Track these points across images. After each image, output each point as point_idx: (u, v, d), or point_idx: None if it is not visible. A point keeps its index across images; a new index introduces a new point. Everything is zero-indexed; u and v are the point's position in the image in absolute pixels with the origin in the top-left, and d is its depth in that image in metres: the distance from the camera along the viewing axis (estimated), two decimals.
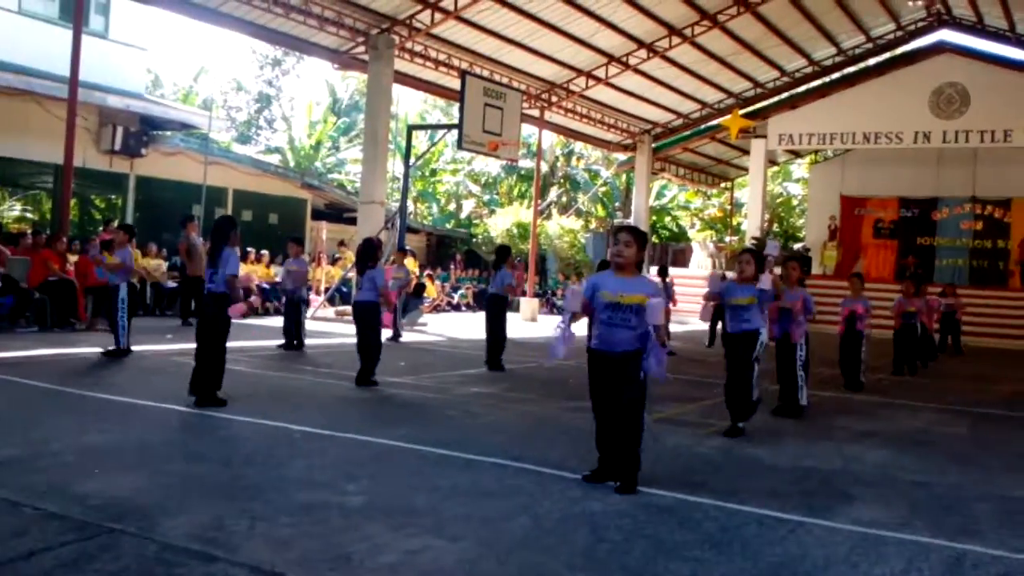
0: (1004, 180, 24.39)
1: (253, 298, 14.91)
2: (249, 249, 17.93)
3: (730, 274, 10.19)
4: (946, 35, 24.27)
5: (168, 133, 19.48)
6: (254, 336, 12.06)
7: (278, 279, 14.83)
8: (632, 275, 4.93)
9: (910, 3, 21.77)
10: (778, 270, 8.98)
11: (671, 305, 14.43)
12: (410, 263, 17.91)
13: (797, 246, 27.63)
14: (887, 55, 25.09)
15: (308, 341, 11.45)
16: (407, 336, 14.11)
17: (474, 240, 30.73)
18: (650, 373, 4.86)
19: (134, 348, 9.48)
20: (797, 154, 30.67)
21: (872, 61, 25.21)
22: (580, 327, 5.22)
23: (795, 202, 36.05)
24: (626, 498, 4.74)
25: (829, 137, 24.90)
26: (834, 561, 3.94)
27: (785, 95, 25.75)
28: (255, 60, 38.78)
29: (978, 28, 23.57)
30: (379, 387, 8.35)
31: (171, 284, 15.56)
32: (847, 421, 8.05)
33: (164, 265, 16.20)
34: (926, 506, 5.08)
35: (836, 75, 25.35)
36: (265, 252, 18.48)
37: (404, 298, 15.50)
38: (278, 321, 12.37)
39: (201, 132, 20.26)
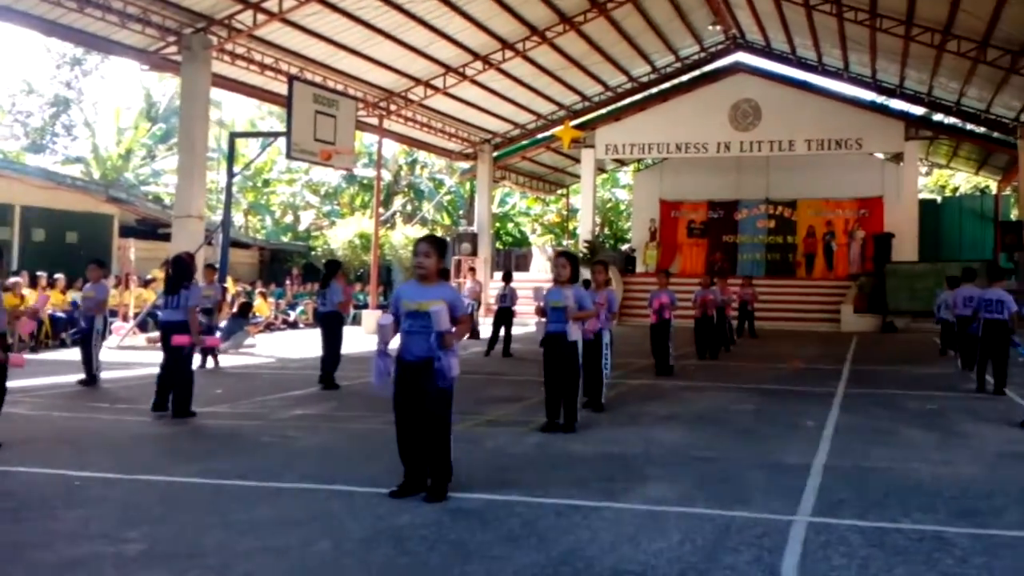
0: (791, 184, 26.33)
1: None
2: (40, 273, 15.57)
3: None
4: (742, 57, 25.87)
5: None
6: (43, 372, 10.22)
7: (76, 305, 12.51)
8: (434, 284, 4.87)
9: (710, 27, 23.01)
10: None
11: (513, 307, 14.56)
12: (228, 282, 16.83)
13: (624, 247, 28.64)
14: (694, 73, 26.35)
15: (109, 374, 10.03)
16: (229, 360, 12.56)
17: (313, 253, 28.81)
18: (442, 376, 4.69)
19: None
20: (622, 162, 31.75)
21: (684, 78, 26.41)
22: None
23: (622, 207, 37.33)
24: (435, 506, 4.58)
25: (648, 147, 26.00)
26: (620, 541, 4.06)
27: (610, 108, 26.58)
28: (50, 59, 33.34)
29: (767, 51, 25.23)
30: (195, 419, 7.43)
31: None
32: (654, 406, 8.38)
33: None
34: (709, 479, 5.36)
35: (653, 90, 26.37)
36: (60, 276, 15.79)
37: (228, 319, 14.35)
38: (74, 354, 10.68)
39: None
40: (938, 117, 25.45)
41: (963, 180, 34.08)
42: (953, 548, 3.99)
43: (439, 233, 33.22)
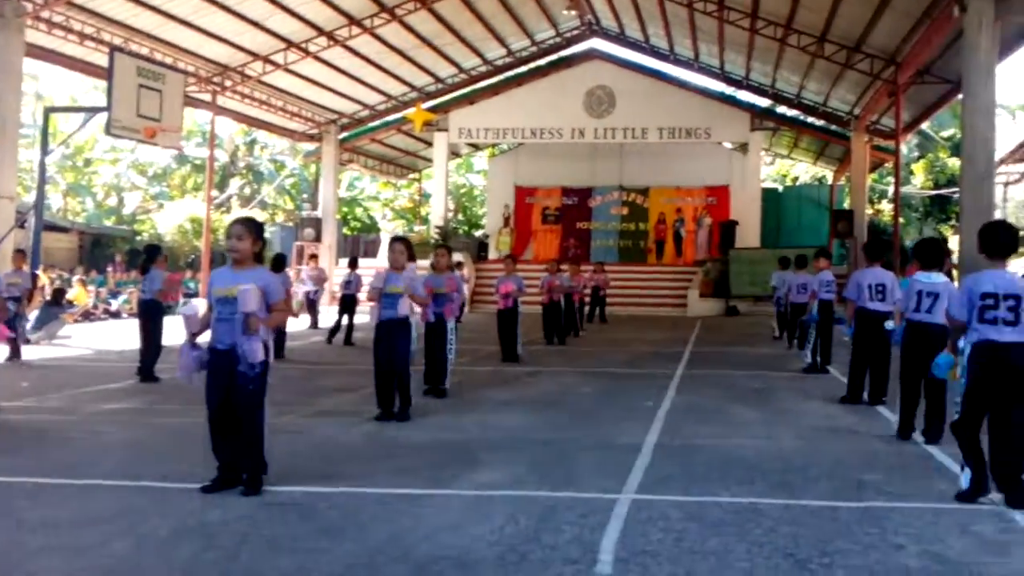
0: (644, 171, 27.36)
1: None
2: None
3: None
4: (596, 43, 26.57)
5: None
6: None
7: None
8: (249, 268, 4.72)
9: (564, 11, 23.44)
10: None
11: (358, 294, 14.18)
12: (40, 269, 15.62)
13: (478, 233, 28.83)
14: (550, 58, 26.78)
15: None
16: (40, 352, 11.83)
17: (139, 238, 27.54)
18: (245, 363, 4.55)
19: None
20: (477, 147, 31.89)
21: (540, 63, 26.75)
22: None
23: (476, 192, 37.56)
24: (250, 501, 4.46)
25: (502, 132, 26.29)
26: (441, 528, 4.07)
27: (464, 91, 26.61)
28: None
29: (621, 38, 26.04)
30: None
31: None
32: (496, 392, 8.48)
33: None
34: (541, 462, 5.45)
35: (508, 74, 26.62)
36: None
37: (40, 308, 13.50)
38: None
39: None
40: (781, 109, 27.12)
41: (803, 170, 36.59)
42: (765, 519, 4.24)
43: (280, 218, 32.27)
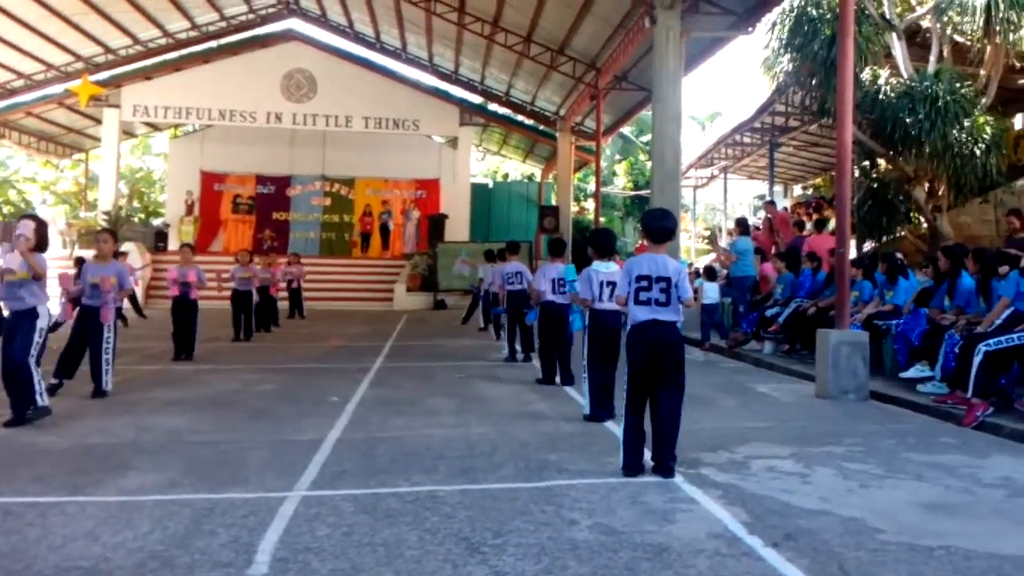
0: (349, 161, 27.23)
1: None
2: None
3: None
4: (295, 24, 25.89)
5: None
6: None
7: None
8: None
9: None
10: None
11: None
12: None
13: (157, 222, 26.86)
14: (242, 35, 25.63)
15: None
16: None
17: None
18: None
19: None
20: (156, 127, 29.72)
21: (231, 39, 25.50)
22: None
23: (157, 177, 35.07)
24: None
25: (185, 111, 24.74)
26: (75, 537, 3.74)
27: (139, 64, 24.70)
28: None
29: (323, 21, 25.65)
30: None
31: None
32: (160, 392, 7.89)
33: None
34: (202, 464, 5.13)
35: (194, 48, 25.10)
36: None
37: None
38: None
39: None
40: (492, 107, 28.22)
41: (514, 168, 38.55)
42: (443, 505, 4.29)
43: None
